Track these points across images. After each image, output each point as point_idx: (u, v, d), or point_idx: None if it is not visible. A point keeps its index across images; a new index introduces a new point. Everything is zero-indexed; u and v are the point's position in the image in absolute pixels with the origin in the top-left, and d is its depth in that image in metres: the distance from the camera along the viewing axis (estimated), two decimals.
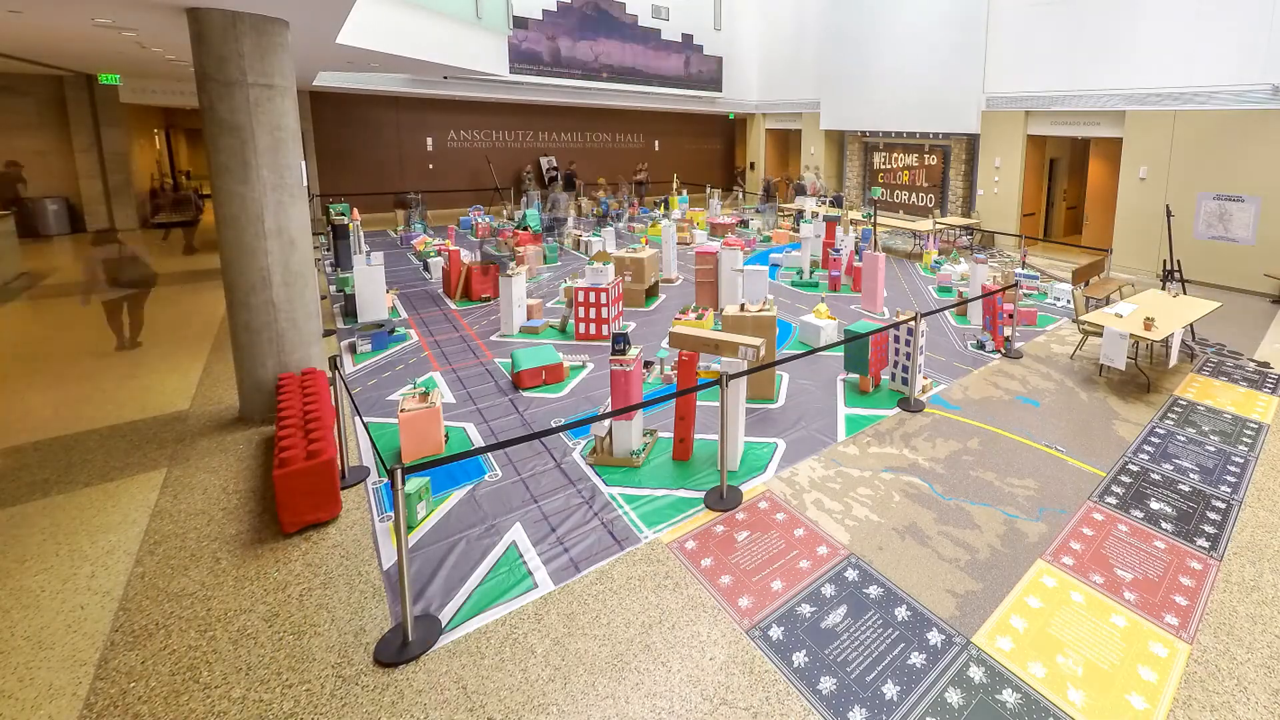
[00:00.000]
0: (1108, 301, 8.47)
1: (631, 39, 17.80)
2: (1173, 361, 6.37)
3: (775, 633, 3.12)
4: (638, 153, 21.69)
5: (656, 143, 22.10)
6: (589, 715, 2.68)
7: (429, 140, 17.37)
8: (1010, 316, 7.26)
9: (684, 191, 17.99)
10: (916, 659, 2.98)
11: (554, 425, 5.00)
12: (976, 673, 2.91)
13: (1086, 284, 9.01)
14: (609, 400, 5.20)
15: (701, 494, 4.28)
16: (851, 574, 3.56)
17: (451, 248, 9.94)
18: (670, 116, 21.61)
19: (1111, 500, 4.32)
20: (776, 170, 21.40)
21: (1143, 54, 11.04)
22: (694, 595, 3.37)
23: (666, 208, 16.70)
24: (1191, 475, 4.66)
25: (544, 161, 19.38)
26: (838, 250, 10.11)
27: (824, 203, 15.81)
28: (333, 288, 9.32)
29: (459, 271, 8.96)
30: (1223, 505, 4.28)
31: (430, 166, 17.47)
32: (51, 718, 2.64)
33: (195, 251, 12.02)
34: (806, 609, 3.29)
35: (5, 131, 12.22)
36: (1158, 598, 3.41)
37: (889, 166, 17.09)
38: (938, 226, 13.33)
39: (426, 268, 10.45)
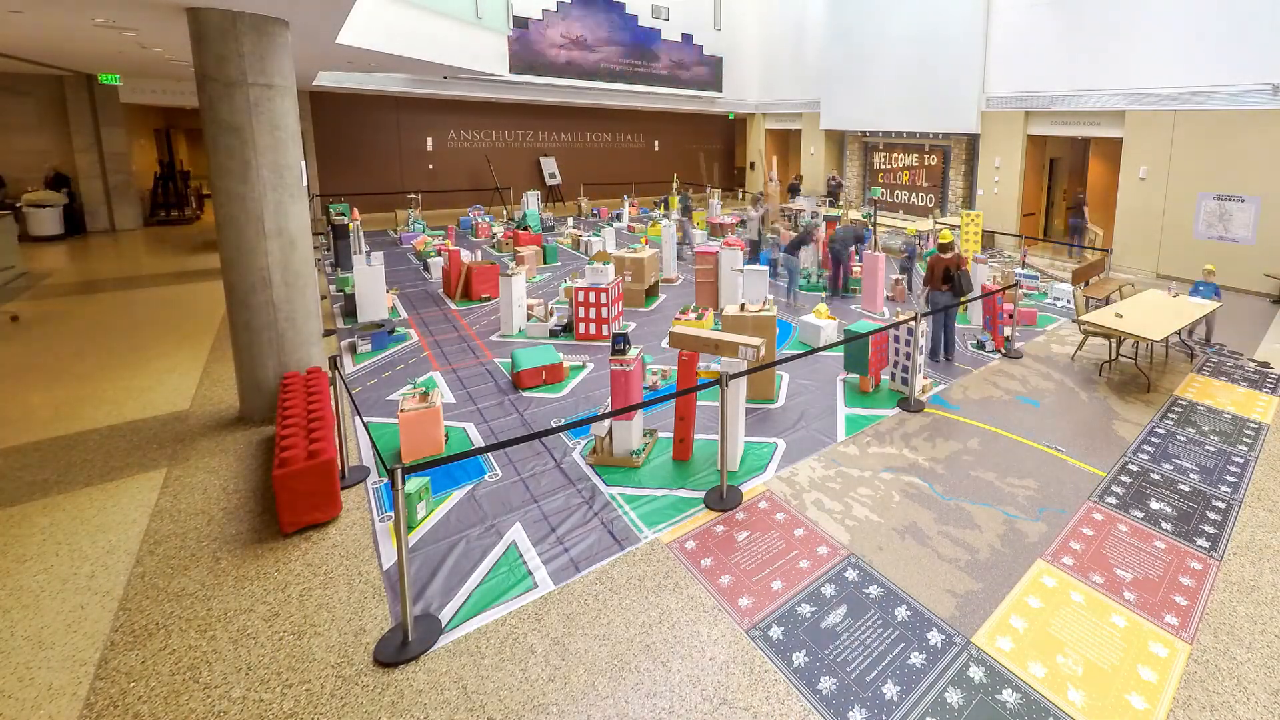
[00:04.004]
0: (1108, 301, 8.48)
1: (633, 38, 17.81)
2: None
3: (775, 633, 3.12)
4: (638, 153, 21.69)
5: (656, 143, 22.10)
6: (589, 715, 2.68)
7: (429, 140, 17.37)
8: (1010, 316, 7.26)
9: (684, 191, 17.99)
10: (916, 659, 2.98)
11: (554, 425, 5.01)
12: (976, 673, 2.91)
13: (1086, 284, 9.01)
14: (609, 400, 5.20)
15: (701, 494, 4.28)
16: (851, 574, 3.56)
17: (452, 248, 9.95)
18: (670, 116, 21.61)
19: (1111, 500, 4.32)
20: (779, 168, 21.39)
21: (1143, 54, 11.04)
22: (694, 595, 3.36)
23: (666, 208, 16.70)
24: (1191, 475, 4.66)
25: (544, 163, 19.38)
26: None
27: (824, 202, 15.81)
28: (333, 288, 9.32)
29: (459, 271, 8.96)
30: (1223, 505, 4.28)
31: (430, 166, 17.47)
32: (51, 718, 2.64)
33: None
34: (806, 609, 3.29)
35: (5, 131, 12.22)
36: (1158, 598, 3.41)
37: (889, 166, 17.09)
38: (938, 226, 13.32)
39: (426, 268, 10.46)
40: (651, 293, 9.22)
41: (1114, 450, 5.00)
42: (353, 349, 6.91)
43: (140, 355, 6.66)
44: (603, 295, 7.30)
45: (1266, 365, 6.90)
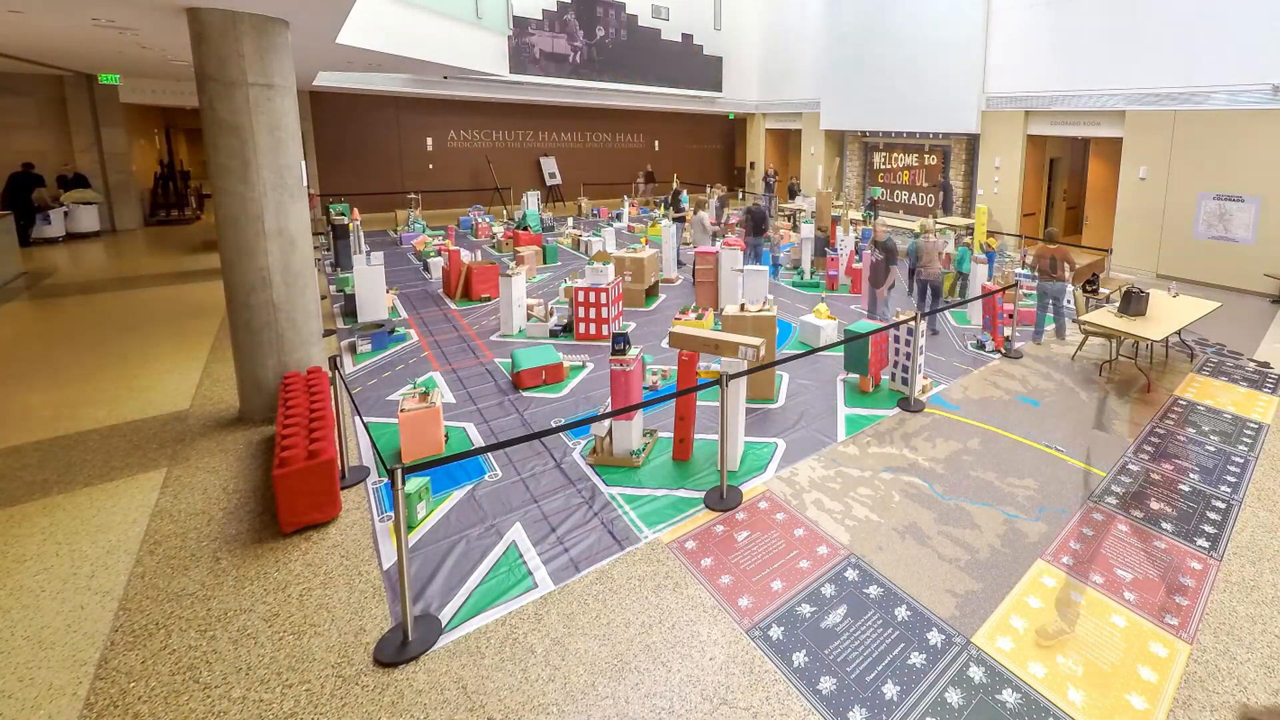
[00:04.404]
0: (1108, 301, 8.47)
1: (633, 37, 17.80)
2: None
3: (775, 633, 3.12)
4: (638, 153, 21.69)
5: (656, 143, 22.10)
6: (589, 715, 2.68)
7: (429, 140, 17.37)
8: (1010, 316, 7.26)
9: (685, 192, 17.99)
10: (916, 659, 2.98)
11: (554, 425, 5.01)
12: (976, 673, 2.91)
13: (1086, 284, 8.99)
14: (609, 400, 5.20)
15: (701, 494, 4.28)
16: (851, 574, 3.56)
17: (451, 248, 9.94)
18: (670, 116, 21.61)
19: (1111, 500, 4.32)
20: (776, 165, 21.37)
21: (1143, 54, 11.04)
22: (694, 595, 3.37)
23: (666, 207, 16.69)
24: (1191, 475, 4.66)
25: (544, 163, 19.38)
26: (835, 250, 10.11)
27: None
28: (333, 288, 9.32)
29: (459, 271, 8.96)
30: (1223, 505, 4.28)
31: (430, 166, 17.47)
32: (51, 718, 2.64)
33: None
34: (806, 609, 3.29)
35: (5, 131, 12.22)
36: (1158, 598, 3.41)
37: (889, 166, 17.09)
38: (938, 225, 13.31)
39: (426, 268, 10.46)
40: (651, 293, 9.22)
41: (1114, 450, 5.00)
42: (353, 349, 6.91)
43: (140, 355, 6.66)
44: (603, 295, 7.30)
45: (1266, 365, 6.90)
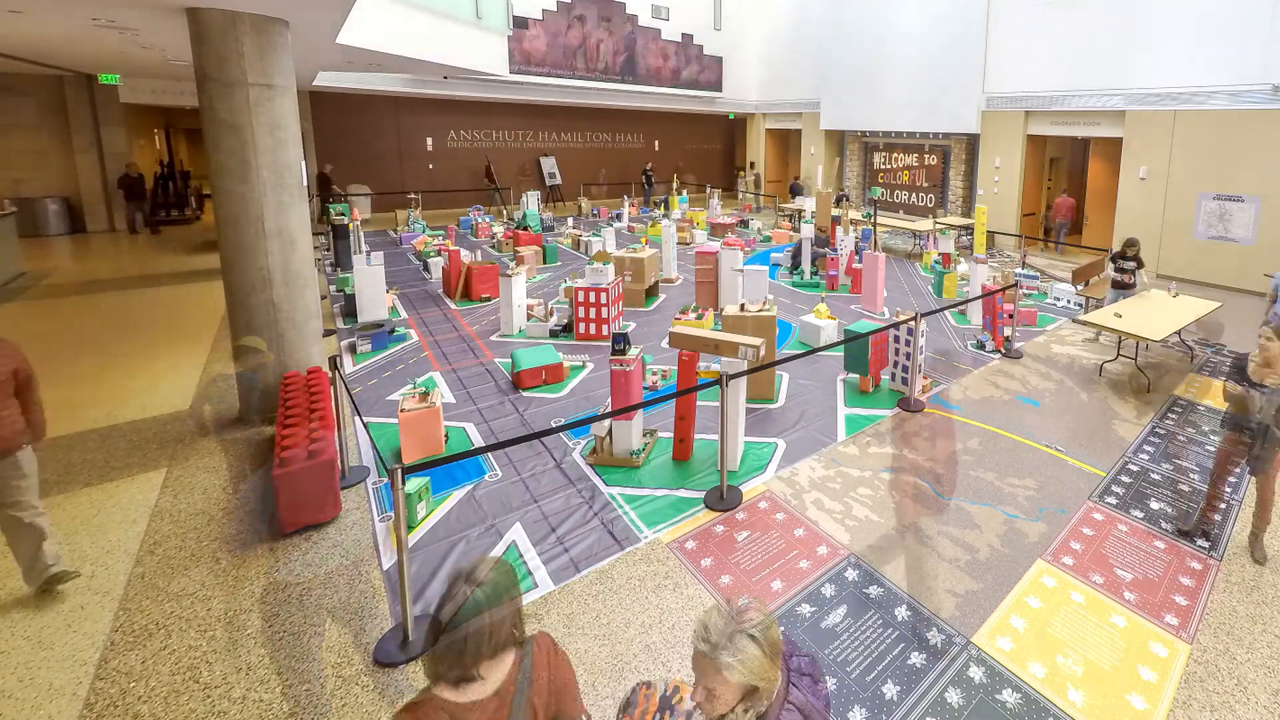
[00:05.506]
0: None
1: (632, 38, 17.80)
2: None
3: None
4: (638, 153, 21.70)
5: (656, 143, 22.11)
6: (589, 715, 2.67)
7: (429, 140, 17.37)
8: (1010, 316, 7.26)
9: (684, 191, 17.98)
10: (916, 659, 2.98)
11: (554, 425, 5.01)
12: (976, 673, 2.91)
13: (1086, 284, 9.01)
14: (609, 400, 5.20)
15: (701, 494, 4.28)
16: (851, 574, 3.56)
17: (452, 248, 9.94)
18: (670, 116, 21.61)
19: (1111, 500, 4.32)
20: (777, 170, 21.39)
21: (1143, 54, 11.04)
22: (694, 595, 3.36)
23: (666, 207, 16.70)
24: (1191, 475, 4.65)
25: (544, 163, 19.38)
26: (835, 250, 10.11)
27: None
28: (333, 288, 9.32)
29: (459, 271, 8.96)
30: (1223, 505, 4.27)
31: (430, 166, 17.47)
32: (51, 718, 2.64)
33: None
34: (806, 609, 3.29)
35: (5, 131, 12.22)
36: (1158, 598, 3.41)
37: (889, 166, 17.08)
38: (938, 226, 13.32)
39: (426, 268, 10.46)
40: (651, 293, 9.22)
41: (1114, 450, 5.00)
42: (353, 349, 6.91)
43: (140, 355, 6.66)
44: (603, 295, 7.30)
45: None
